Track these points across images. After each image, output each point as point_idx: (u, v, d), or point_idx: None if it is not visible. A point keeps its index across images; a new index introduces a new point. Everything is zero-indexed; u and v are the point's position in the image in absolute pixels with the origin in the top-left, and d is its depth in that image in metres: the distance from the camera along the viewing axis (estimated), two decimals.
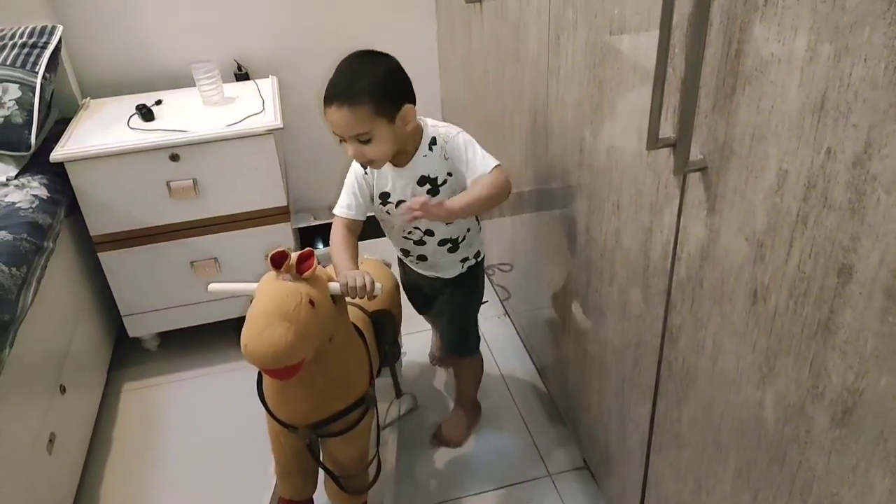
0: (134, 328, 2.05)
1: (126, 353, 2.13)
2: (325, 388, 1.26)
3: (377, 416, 1.54)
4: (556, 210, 1.53)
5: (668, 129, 0.96)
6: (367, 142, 1.27)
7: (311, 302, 1.12)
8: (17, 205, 1.62)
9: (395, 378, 1.47)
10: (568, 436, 1.78)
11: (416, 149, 1.38)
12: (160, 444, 1.84)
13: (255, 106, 1.97)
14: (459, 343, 1.68)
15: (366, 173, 1.41)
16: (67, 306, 1.77)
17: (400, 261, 1.64)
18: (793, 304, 0.78)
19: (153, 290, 2.00)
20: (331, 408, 1.29)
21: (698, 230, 0.95)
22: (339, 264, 1.36)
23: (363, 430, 1.38)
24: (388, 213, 1.45)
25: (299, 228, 2.54)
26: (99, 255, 1.91)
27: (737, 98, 0.82)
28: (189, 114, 1.95)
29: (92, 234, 1.88)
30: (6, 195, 1.66)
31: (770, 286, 0.82)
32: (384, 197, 1.42)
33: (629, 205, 1.15)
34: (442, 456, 1.77)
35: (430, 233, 1.48)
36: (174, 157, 1.82)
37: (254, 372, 1.22)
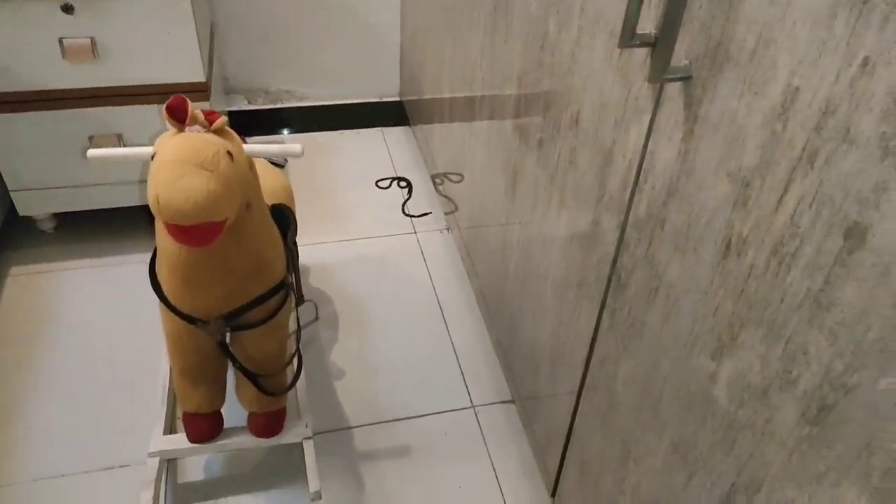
0: (24, 205, 1.80)
1: (17, 234, 1.88)
2: (243, 268, 1.10)
3: (296, 310, 1.38)
4: (508, 119, 1.31)
5: (648, 24, 0.75)
6: None
7: (230, 154, 0.96)
8: None
9: (298, 283, 1.29)
10: (498, 368, 1.64)
11: None
12: (47, 337, 1.64)
13: None
14: None
15: None
16: None
17: None
18: (775, 265, 0.61)
19: (47, 165, 1.74)
20: (249, 292, 1.13)
21: (669, 157, 0.76)
22: None
23: (282, 320, 1.24)
24: None
25: (230, 112, 2.27)
26: None
27: None
28: None
29: None
30: None
31: (749, 239, 0.64)
32: None
33: (590, 119, 0.95)
34: (353, 377, 1.62)
35: None
36: (67, 9, 1.52)
37: None
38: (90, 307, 1.73)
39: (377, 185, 2.18)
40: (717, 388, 0.72)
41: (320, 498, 1.28)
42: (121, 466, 1.40)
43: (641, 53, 0.79)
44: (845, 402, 0.55)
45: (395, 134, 2.40)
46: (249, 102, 2.30)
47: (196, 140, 0.95)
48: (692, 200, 0.73)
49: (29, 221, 1.87)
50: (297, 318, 1.37)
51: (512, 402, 1.57)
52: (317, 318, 1.71)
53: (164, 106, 0.96)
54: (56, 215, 1.89)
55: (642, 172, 0.83)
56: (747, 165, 0.63)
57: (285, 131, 2.35)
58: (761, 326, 0.64)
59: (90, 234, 1.90)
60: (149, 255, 1.17)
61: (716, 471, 0.73)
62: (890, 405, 0.50)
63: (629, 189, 0.86)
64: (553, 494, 1.29)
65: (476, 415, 1.56)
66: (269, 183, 1.36)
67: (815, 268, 0.56)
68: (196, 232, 0.94)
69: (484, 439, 1.51)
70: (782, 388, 0.62)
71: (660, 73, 0.71)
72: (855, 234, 0.52)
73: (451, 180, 1.94)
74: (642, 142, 0.81)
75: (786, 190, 0.58)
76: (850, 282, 0.53)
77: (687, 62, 0.71)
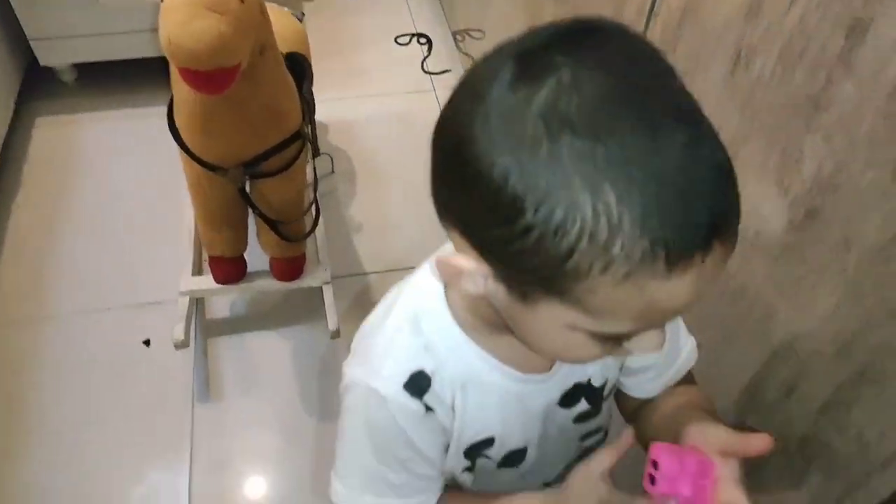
0: (45, 55, 1.80)
1: (39, 85, 1.89)
2: (259, 116, 1.10)
3: (313, 161, 1.40)
4: None
5: None
6: None
7: None
8: None
9: (314, 135, 1.29)
10: None
11: None
12: (75, 185, 1.70)
13: None
14: None
15: (430, 409, 0.53)
16: None
17: None
18: (780, 70, 0.61)
19: (64, 12, 1.72)
20: (266, 140, 1.14)
21: None
22: None
23: (300, 167, 1.26)
24: (476, 476, 0.62)
25: None
26: None
27: None
28: None
29: None
30: None
31: (758, 48, 0.64)
32: (479, 449, 0.58)
33: None
34: (370, 228, 1.66)
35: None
36: None
37: None
38: (114, 155, 1.77)
39: (397, 42, 2.13)
40: None
41: (339, 336, 1.36)
42: (154, 302, 1.49)
43: None
44: (831, 202, 0.57)
45: None
46: None
47: None
48: (707, 18, 0.72)
49: (50, 73, 1.88)
50: (315, 169, 1.39)
51: None
52: (333, 172, 1.74)
53: None
54: (76, 66, 1.90)
55: None
56: None
57: None
58: (762, 138, 0.65)
59: (111, 85, 1.91)
60: (164, 108, 1.17)
61: None
62: (872, 197, 0.52)
63: (645, 15, 0.84)
64: None
65: None
66: (283, 30, 1.34)
67: (818, 67, 0.56)
68: (210, 78, 0.94)
69: None
70: (775, 199, 0.64)
71: None
72: (857, 31, 0.52)
73: (472, 37, 1.90)
74: None
75: None
76: (849, 79, 0.53)
77: None
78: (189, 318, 1.36)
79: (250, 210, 1.29)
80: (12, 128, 1.76)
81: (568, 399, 0.56)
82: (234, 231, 1.32)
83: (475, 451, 0.57)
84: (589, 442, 0.64)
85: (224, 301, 1.51)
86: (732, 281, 0.72)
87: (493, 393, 0.52)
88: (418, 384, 0.51)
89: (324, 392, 1.36)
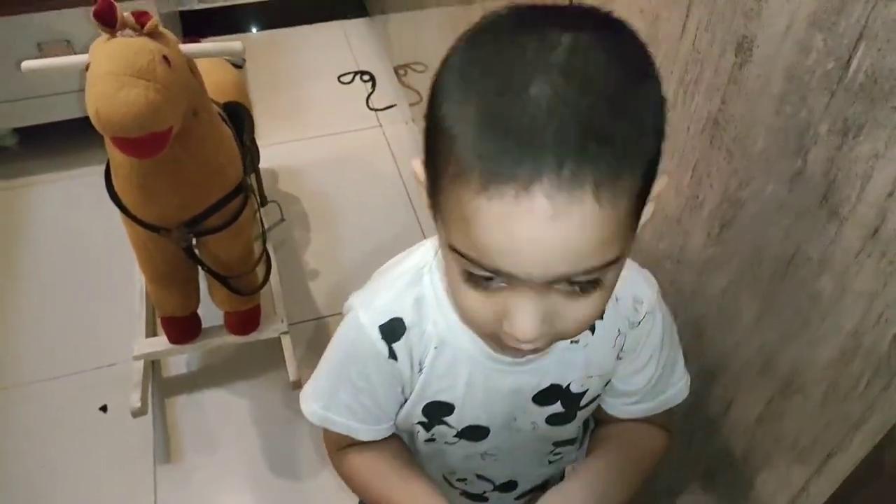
0: None
1: None
2: (197, 176, 1.09)
3: (259, 210, 1.39)
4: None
5: None
6: (590, 289, 0.43)
7: (166, 59, 0.93)
8: None
9: (259, 184, 1.28)
10: None
11: None
12: (23, 252, 1.67)
13: None
14: None
15: (393, 356, 0.56)
16: None
17: None
18: (682, 94, 0.62)
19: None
20: (206, 199, 1.12)
21: None
22: None
23: (246, 221, 1.24)
24: (436, 441, 0.63)
25: (181, 12, 2.20)
26: None
27: None
28: None
29: None
30: None
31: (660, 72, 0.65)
32: (438, 411, 0.60)
33: None
34: (325, 271, 1.66)
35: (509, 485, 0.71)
36: None
37: None
38: (62, 218, 1.74)
39: (340, 81, 2.14)
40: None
41: (300, 387, 1.33)
42: (108, 366, 1.46)
43: None
44: (740, 216, 0.58)
45: (356, 27, 2.34)
46: (200, 0, 2.22)
47: (129, 47, 0.91)
48: None
49: None
50: (261, 219, 1.37)
51: None
52: (282, 219, 1.72)
53: (92, 11, 0.90)
54: (17, 130, 1.87)
55: None
56: None
57: (254, 29, 2.29)
58: (674, 157, 0.66)
59: (54, 147, 1.89)
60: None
61: None
62: (773, 210, 0.53)
63: None
64: None
65: None
66: (219, 78, 1.33)
67: (714, 89, 0.57)
68: (142, 144, 0.93)
69: None
70: (692, 213, 0.65)
71: None
72: (744, 48, 0.53)
73: (414, 70, 1.91)
74: None
75: (688, 14, 0.59)
76: (741, 97, 0.54)
77: None
78: (145, 383, 1.32)
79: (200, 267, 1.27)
80: None
81: (542, 397, 0.58)
82: (184, 290, 1.29)
83: (434, 412, 0.58)
84: (562, 451, 0.66)
85: (180, 357, 1.48)
86: (666, 298, 0.73)
87: (465, 361, 0.55)
88: (393, 330, 0.54)
89: (286, 445, 1.33)
